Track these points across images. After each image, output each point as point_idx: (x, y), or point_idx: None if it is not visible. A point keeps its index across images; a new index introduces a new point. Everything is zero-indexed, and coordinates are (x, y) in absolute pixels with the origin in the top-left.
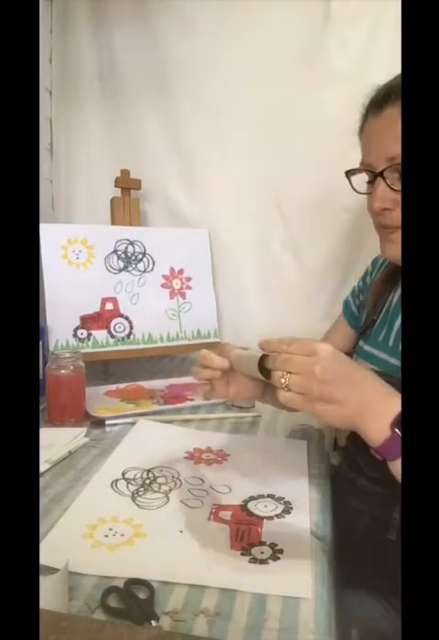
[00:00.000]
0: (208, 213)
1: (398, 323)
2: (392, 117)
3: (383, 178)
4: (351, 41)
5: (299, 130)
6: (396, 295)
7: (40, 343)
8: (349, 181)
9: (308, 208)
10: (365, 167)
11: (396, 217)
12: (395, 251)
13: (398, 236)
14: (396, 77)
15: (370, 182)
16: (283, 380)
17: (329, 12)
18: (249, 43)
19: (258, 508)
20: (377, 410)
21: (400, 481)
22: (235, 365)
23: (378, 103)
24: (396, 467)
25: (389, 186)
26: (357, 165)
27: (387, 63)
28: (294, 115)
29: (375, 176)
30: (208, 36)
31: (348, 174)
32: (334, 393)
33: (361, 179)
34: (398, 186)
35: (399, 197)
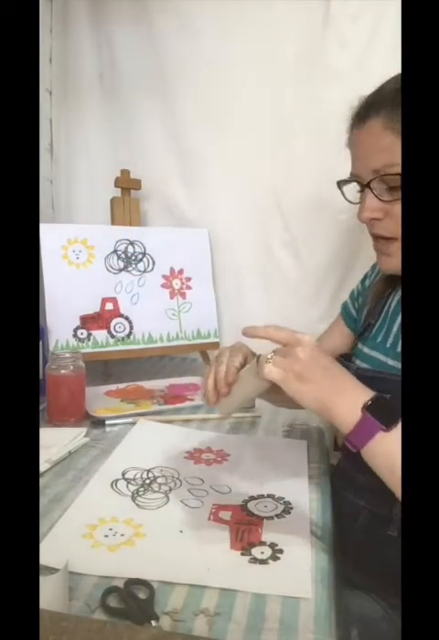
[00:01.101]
0: (208, 213)
1: (396, 325)
2: (375, 129)
3: (371, 189)
4: (351, 41)
5: (299, 130)
6: (394, 298)
7: (40, 343)
8: (341, 191)
9: (308, 208)
10: (354, 178)
11: (386, 226)
12: (390, 264)
13: (391, 248)
14: (379, 88)
15: (360, 191)
16: (269, 356)
17: (329, 12)
18: (248, 43)
19: (258, 508)
20: (348, 393)
21: (373, 466)
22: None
23: (361, 116)
24: (368, 454)
25: (376, 196)
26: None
27: (387, 63)
28: (294, 115)
29: (363, 186)
30: (207, 36)
31: (340, 184)
32: (311, 374)
33: (354, 187)
34: (386, 197)
35: (387, 206)
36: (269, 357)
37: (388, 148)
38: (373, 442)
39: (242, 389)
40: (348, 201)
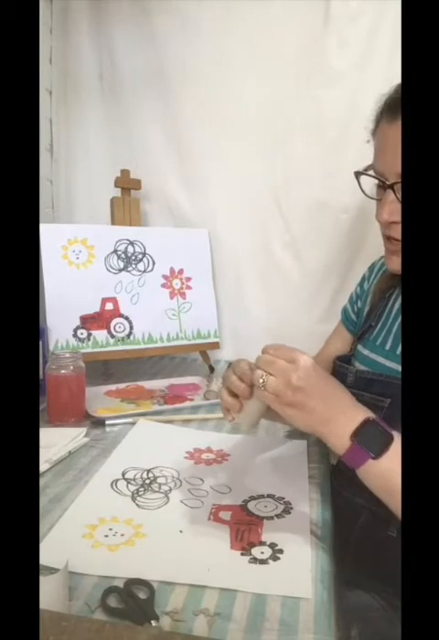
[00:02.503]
0: (208, 213)
1: (396, 328)
2: None
3: (393, 191)
4: (351, 41)
5: (299, 130)
6: (395, 301)
7: (40, 343)
8: (358, 182)
9: (308, 208)
10: (376, 174)
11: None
12: (398, 264)
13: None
14: None
15: (381, 187)
16: (261, 380)
17: (329, 12)
18: (249, 43)
19: (258, 508)
20: (339, 421)
21: (369, 487)
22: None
23: (393, 109)
24: (362, 476)
25: (398, 199)
26: (359, 164)
27: (387, 63)
28: (294, 115)
29: (385, 186)
30: (208, 36)
31: (358, 174)
32: (304, 401)
33: (370, 179)
34: None
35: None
36: (261, 380)
37: None
38: (365, 467)
39: (255, 403)
40: (365, 194)
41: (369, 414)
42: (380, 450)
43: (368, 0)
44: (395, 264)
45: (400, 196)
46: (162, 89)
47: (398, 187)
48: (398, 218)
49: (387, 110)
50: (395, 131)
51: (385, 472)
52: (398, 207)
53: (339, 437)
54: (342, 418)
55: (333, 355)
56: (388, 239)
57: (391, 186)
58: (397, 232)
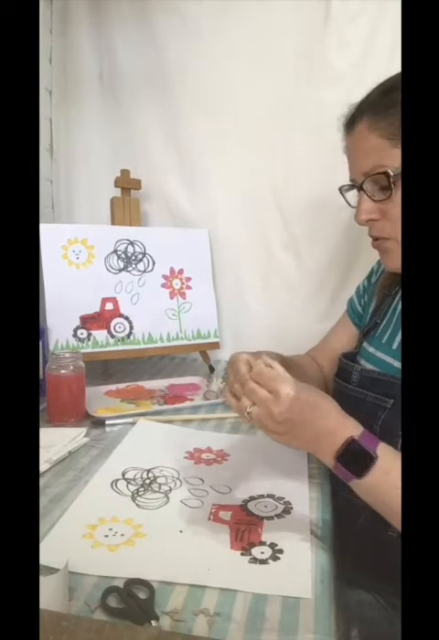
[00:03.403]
0: (208, 213)
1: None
2: (362, 133)
3: (364, 191)
4: (351, 41)
5: (299, 130)
6: (399, 300)
7: (40, 343)
8: (344, 197)
9: (308, 207)
10: (351, 182)
11: (382, 228)
12: (391, 262)
13: (390, 245)
14: (366, 95)
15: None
16: (246, 412)
17: (329, 12)
18: (249, 43)
19: (258, 508)
20: (324, 442)
21: (363, 498)
22: None
23: (349, 122)
24: (352, 487)
25: (369, 197)
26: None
27: (387, 63)
28: (294, 115)
29: (358, 189)
30: (208, 35)
31: (342, 190)
32: (287, 430)
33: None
34: (379, 197)
35: (382, 207)
36: (247, 411)
37: (374, 149)
38: (352, 483)
39: None
40: (351, 206)
41: (353, 433)
42: (361, 471)
43: (368, 0)
44: (389, 263)
45: (370, 193)
46: (162, 89)
47: (367, 186)
48: (374, 215)
49: (345, 124)
50: (353, 138)
51: (371, 487)
52: (372, 205)
53: (325, 456)
54: (328, 438)
55: (338, 349)
56: (374, 239)
57: (361, 187)
58: (377, 231)
